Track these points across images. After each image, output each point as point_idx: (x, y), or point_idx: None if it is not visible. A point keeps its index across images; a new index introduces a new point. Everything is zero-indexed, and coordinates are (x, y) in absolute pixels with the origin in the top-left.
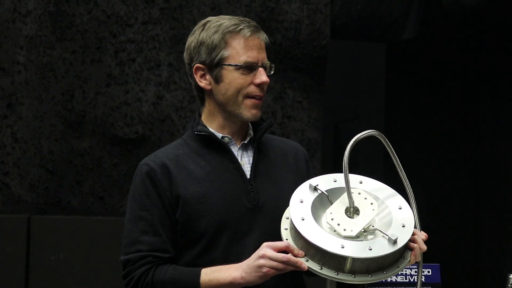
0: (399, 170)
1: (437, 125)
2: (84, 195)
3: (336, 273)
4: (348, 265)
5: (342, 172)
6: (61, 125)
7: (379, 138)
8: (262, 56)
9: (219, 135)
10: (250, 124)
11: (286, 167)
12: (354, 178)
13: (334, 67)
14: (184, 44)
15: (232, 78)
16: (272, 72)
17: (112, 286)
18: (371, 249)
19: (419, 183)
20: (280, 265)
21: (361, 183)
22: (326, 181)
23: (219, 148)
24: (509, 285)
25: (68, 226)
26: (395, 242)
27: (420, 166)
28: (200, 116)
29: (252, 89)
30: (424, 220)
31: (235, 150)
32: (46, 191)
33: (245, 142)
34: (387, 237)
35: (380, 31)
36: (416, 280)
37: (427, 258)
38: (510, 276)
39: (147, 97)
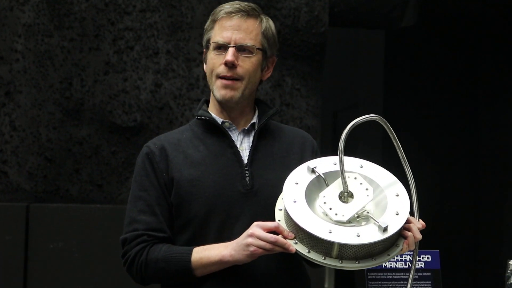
0: (400, 156)
1: (436, 112)
2: (83, 183)
3: (323, 258)
4: (335, 250)
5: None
6: (59, 113)
7: (381, 123)
8: (238, 37)
9: (220, 120)
10: (257, 111)
11: (290, 155)
12: (355, 162)
13: (333, 54)
14: (182, 31)
15: (209, 59)
16: (251, 54)
17: (111, 274)
18: (359, 236)
19: (418, 170)
20: (267, 245)
21: (361, 167)
22: (325, 164)
23: (219, 133)
24: (509, 271)
25: (66, 214)
26: (385, 229)
27: (419, 153)
28: (205, 101)
29: (221, 69)
30: (424, 207)
31: (235, 135)
32: (45, 179)
33: (246, 128)
34: (378, 224)
35: (379, 19)
36: (416, 266)
37: (427, 244)
38: (510, 262)
39: (145, 85)
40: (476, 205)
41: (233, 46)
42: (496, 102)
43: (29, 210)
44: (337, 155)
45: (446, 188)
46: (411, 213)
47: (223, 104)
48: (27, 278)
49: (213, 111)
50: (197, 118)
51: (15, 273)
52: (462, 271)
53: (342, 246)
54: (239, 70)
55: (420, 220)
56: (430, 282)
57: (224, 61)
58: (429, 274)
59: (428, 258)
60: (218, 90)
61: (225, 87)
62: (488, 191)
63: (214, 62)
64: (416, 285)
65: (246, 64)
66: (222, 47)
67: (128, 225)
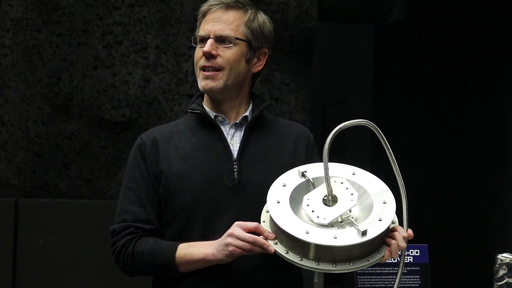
0: (392, 162)
1: (425, 107)
2: (72, 178)
3: (300, 259)
4: (312, 252)
5: (339, 161)
6: (48, 108)
7: (370, 128)
8: (217, 28)
9: (213, 114)
10: (251, 105)
11: (283, 150)
12: (347, 169)
13: (322, 49)
14: (171, 26)
15: (195, 52)
16: (230, 44)
17: (100, 269)
18: (336, 238)
19: (407, 165)
20: (246, 245)
21: (354, 174)
22: (316, 169)
23: (211, 126)
24: (497, 265)
25: (55, 209)
26: (364, 233)
27: (408, 148)
28: (200, 95)
29: (202, 60)
30: (413, 202)
31: (226, 129)
32: (34, 174)
33: (237, 121)
34: (357, 227)
35: (368, 13)
36: (405, 261)
37: (416, 238)
38: (498, 257)
39: (134, 80)
40: (465, 199)
41: (212, 38)
42: (486, 98)
43: (17, 205)
44: (333, 161)
45: (435, 182)
46: (401, 221)
47: (210, 96)
48: (16, 273)
49: (207, 105)
50: (189, 111)
51: (4, 268)
52: (451, 265)
53: (318, 247)
54: (219, 60)
55: (409, 229)
56: (418, 277)
57: (201, 53)
58: (418, 268)
59: (416, 252)
60: (200, 81)
61: (206, 77)
62: (477, 186)
63: (197, 55)
64: (405, 279)
65: (226, 54)
66: (204, 40)
67: (118, 215)
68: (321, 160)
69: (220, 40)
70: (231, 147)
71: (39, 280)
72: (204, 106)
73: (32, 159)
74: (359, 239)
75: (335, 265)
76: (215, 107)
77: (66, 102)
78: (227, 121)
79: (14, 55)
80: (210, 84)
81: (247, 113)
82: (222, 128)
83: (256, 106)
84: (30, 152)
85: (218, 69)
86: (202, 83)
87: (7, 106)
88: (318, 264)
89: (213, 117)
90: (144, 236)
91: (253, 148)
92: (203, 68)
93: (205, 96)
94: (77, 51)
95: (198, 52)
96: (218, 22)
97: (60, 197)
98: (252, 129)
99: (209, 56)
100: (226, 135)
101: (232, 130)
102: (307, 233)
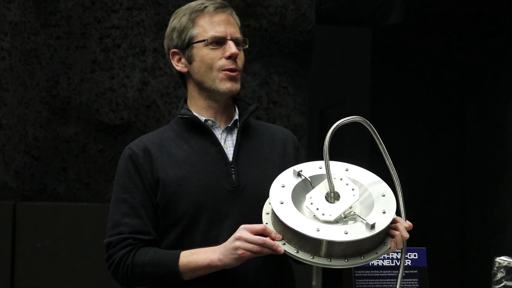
0: (385, 157)
1: (422, 110)
2: (70, 182)
3: (311, 257)
4: (323, 249)
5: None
6: (46, 112)
7: (364, 124)
8: (232, 31)
9: (203, 118)
10: (236, 108)
11: (273, 151)
12: (340, 166)
13: (320, 52)
14: None
15: (202, 55)
16: (246, 46)
17: (98, 272)
18: (347, 233)
19: (405, 168)
20: (255, 248)
21: (347, 170)
22: (311, 168)
23: (203, 131)
24: (495, 269)
25: (54, 212)
26: (372, 227)
27: (406, 150)
28: (186, 101)
29: (224, 62)
30: (411, 204)
31: (218, 133)
32: (32, 177)
33: (229, 125)
34: (365, 221)
35: (365, 16)
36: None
37: (414, 241)
38: (496, 260)
39: (132, 83)
40: (463, 202)
41: (230, 39)
42: (483, 100)
43: (16, 209)
44: (323, 159)
45: (433, 185)
46: (398, 213)
47: (220, 99)
48: (14, 276)
49: (196, 109)
50: (179, 116)
51: (2, 272)
52: (449, 269)
53: (330, 244)
54: (239, 62)
55: (407, 220)
56: (417, 280)
57: (228, 54)
58: (416, 271)
59: (415, 255)
60: (223, 83)
61: (231, 79)
62: (475, 189)
63: (212, 57)
64: (403, 282)
65: (242, 56)
66: (218, 42)
67: (112, 228)
68: (307, 161)
69: (236, 42)
70: (225, 151)
71: (37, 283)
72: (192, 111)
73: (30, 163)
74: (369, 233)
75: (347, 260)
76: (208, 111)
77: (64, 105)
78: (217, 125)
79: (12, 59)
80: (235, 85)
81: (236, 117)
82: (214, 132)
83: (242, 109)
84: (28, 156)
85: (238, 70)
86: (226, 85)
87: (5, 110)
88: (330, 261)
89: (203, 122)
90: (143, 247)
91: (246, 151)
92: (229, 70)
93: (193, 101)
94: (75, 54)
95: (213, 54)
96: (229, 24)
97: (58, 201)
98: (243, 133)
99: (235, 57)
100: (219, 139)
101: (224, 134)
102: (318, 230)
